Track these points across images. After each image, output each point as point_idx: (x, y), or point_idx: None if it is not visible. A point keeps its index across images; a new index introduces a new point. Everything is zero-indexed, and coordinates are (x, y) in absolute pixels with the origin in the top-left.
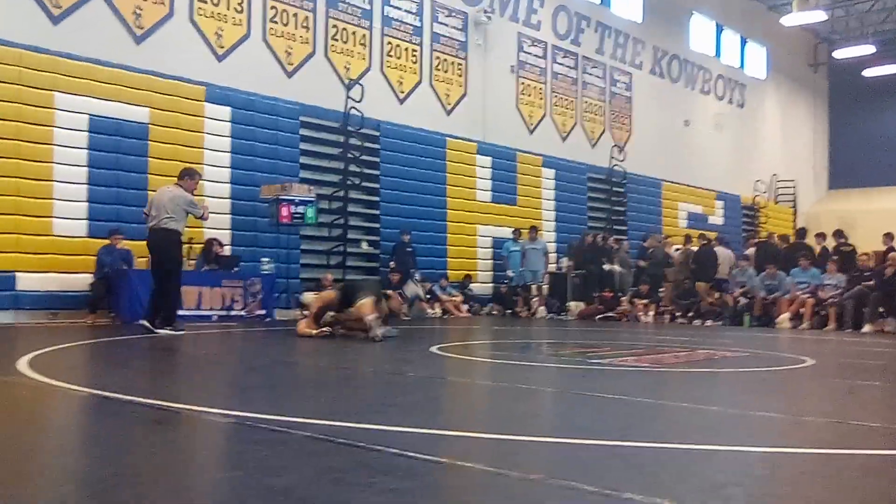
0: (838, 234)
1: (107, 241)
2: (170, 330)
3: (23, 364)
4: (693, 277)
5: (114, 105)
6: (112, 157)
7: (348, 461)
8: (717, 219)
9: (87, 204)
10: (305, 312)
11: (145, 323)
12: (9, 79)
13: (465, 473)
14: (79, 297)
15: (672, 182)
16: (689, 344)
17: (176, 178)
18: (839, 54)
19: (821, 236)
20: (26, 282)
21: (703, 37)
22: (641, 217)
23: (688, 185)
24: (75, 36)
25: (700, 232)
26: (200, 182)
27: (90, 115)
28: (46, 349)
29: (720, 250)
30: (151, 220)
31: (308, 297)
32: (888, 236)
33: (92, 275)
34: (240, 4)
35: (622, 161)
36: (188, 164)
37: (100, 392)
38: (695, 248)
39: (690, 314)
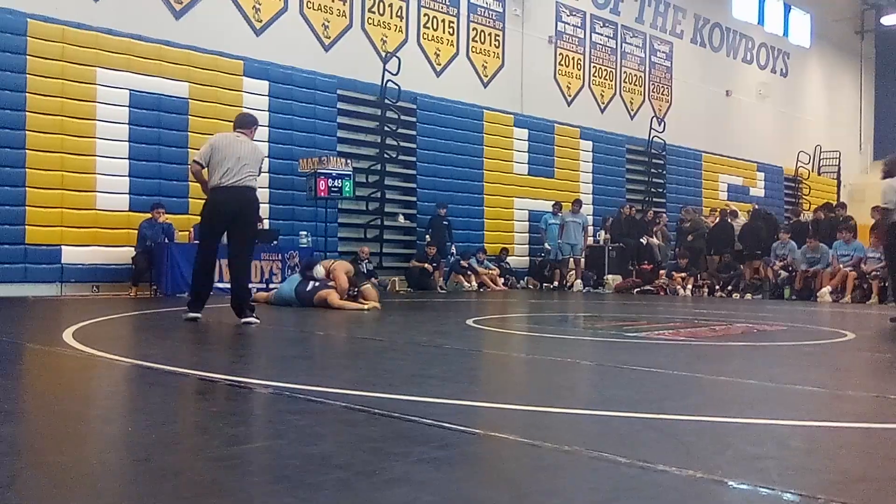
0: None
1: (148, 215)
2: (255, 317)
3: (68, 335)
4: (707, 250)
5: (154, 80)
6: (153, 131)
7: (385, 431)
8: (758, 191)
9: (128, 178)
10: (331, 284)
11: (247, 320)
12: (52, 55)
13: (500, 444)
14: (121, 269)
15: (712, 153)
16: (727, 317)
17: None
18: (887, 20)
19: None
20: (71, 255)
21: (745, 4)
22: (681, 189)
23: (728, 157)
24: (116, 12)
25: (753, 205)
26: None
27: (131, 90)
28: (90, 321)
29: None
30: (223, 174)
31: (322, 268)
32: None
33: (134, 248)
34: None
35: (661, 132)
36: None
37: (142, 362)
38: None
39: (729, 288)
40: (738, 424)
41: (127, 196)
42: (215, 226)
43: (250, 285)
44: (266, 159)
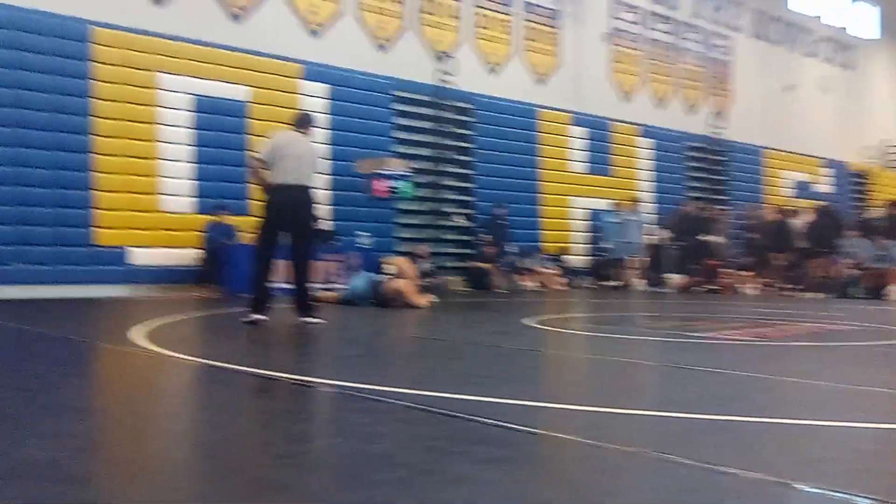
0: None
1: (212, 217)
2: (318, 318)
3: (136, 335)
4: (768, 249)
5: (215, 84)
6: (214, 135)
7: (445, 430)
8: (823, 187)
9: (192, 181)
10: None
11: (309, 320)
12: (115, 61)
13: (561, 444)
14: (187, 271)
15: (775, 149)
16: (794, 317)
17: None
18: None
19: None
20: (138, 257)
21: None
22: (742, 186)
23: (792, 153)
24: (177, 18)
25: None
26: None
27: (193, 94)
28: (157, 321)
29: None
30: (285, 172)
31: (393, 266)
32: None
33: (199, 249)
34: None
35: (722, 128)
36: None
37: (208, 361)
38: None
39: (797, 286)
40: (804, 426)
41: (191, 199)
42: (276, 225)
43: (313, 286)
44: (325, 160)
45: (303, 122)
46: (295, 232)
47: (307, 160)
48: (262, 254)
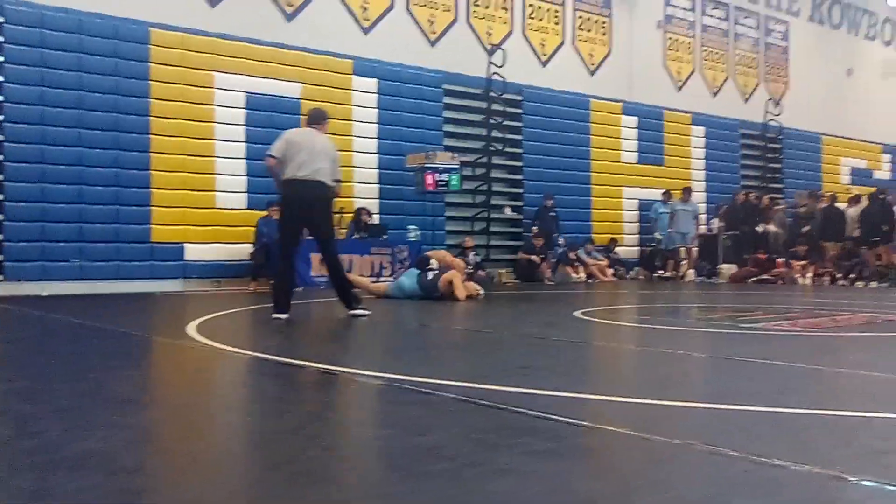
0: None
1: (265, 213)
2: (363, 309)
3: (192, 329)
4: (820, 237)
5: (268, 82)
6: (268, 132)
7: (493, 422)
8: (883, 173)
9: (245, 178)
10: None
11: (355, 312)
12: (172, 61)
13: (609, 437)
14: (240, 265)
15: (833, 136)
16: (849, 307)
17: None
18: None
19: None
20: (193, 252)
21: None
22: (799, 174)
23: (851, 139)
24: (231, 17)
25: (875, 188)
26: (351, 154)
27: (247, 92)
28: (212, 315)
29: (851, 210)
30: (297, 166)
31: (435, 259)
32: None
33: (252, 245)
34: None
35: (778, 115)
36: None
37: (260, 355)
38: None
39: (852, 276)
40: (860, 418)
41: (245, 195)
42: (291, 220)
43: (349, 278)
44: (375, 155)
45: (316, 118)
46: (313, 228)
47: (322, 156)
48: (281, 251)
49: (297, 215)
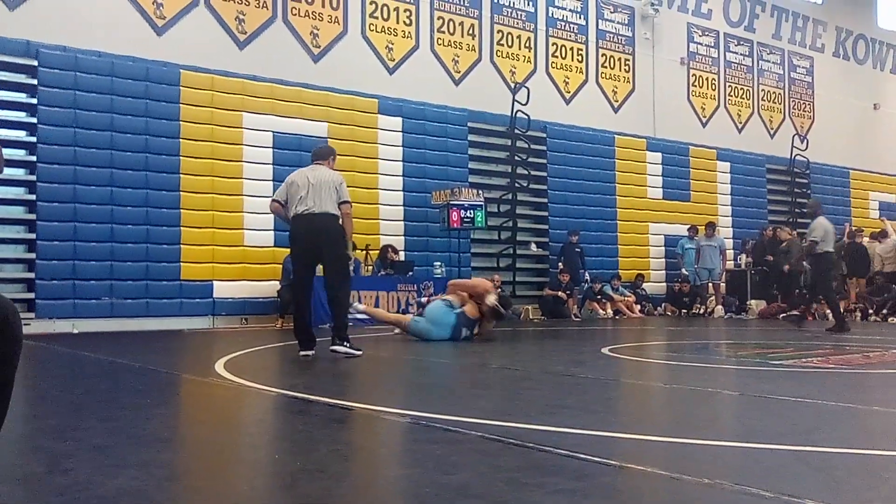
0: None
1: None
2: (349, 348)
3: (220, 366)
4: (847, 273)
5: (295, 122)
6: (295, 170)
7: (520, 461)
8: None
9: (273, 216)
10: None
11: (337, 349)
12: (203, 102)
13: (638, 476)
14: (267, 302)
15: (861, 170)
16: (881, 343)
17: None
18: None
19: None
20: (221, 290)
21: (892, 13)
22: (827, 209)
23: (879, 174)
24: (259, 58)
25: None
26: (377, 191)
27: (274, 132)
28: (240, 352)
29: (881, 246)
30: (297, 203)
31: (455, 298)
32: None
33: (279, 282)
34: (408, 17)
35: (804, 150)
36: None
37: (287, 392)
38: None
39: (885, 311)
40: (893, 458)
41: (272, 232)
42: (300, 256)
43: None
44: (400, 192)
45: (320, 155)
46: (322, 261)
47: (322, 187)
48: (294, 289)
49: (303, 248)
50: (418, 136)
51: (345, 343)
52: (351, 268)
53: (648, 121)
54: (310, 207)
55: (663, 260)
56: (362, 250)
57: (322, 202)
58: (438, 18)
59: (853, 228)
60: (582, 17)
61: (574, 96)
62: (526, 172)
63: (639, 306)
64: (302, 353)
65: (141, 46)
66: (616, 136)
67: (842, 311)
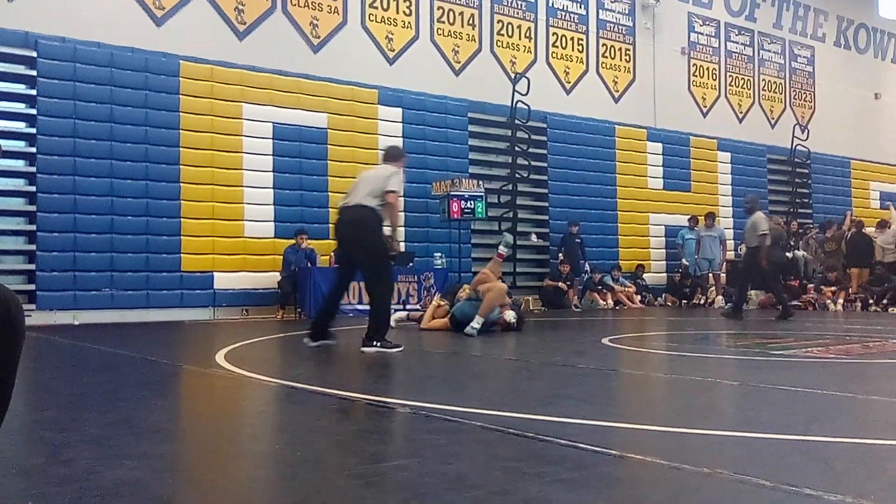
0: None
1: (292, 241)
2: (379, 347)
3: (220, 357)
4: (847, 264)
5: (295, 112)
6: (294, 161)
7: (520, 451)
8: None
9: (273, 207)
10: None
11: (365, 349)
12: (202, 93)
13: (638, 466)
14: (268, 294)
15: (862, 160)
16: (881, 333)
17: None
18: None
19: None
20: (222, 281)
21: (893, 2)
22: (828, 199)
23: (880, 163)
24: (259, 49)
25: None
26: None
27: (274, 122)
28: (240, 343)
29: (882, 236)
30: (343, 199)
31: (468, 291)
32: None
33: (279, 273)
34: (408, 7)
35: (805, 140)
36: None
37: (288, 383)
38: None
39: (885, 301)
40: (893, 448)
41: (272, 224)
42: (339, 248)
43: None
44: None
45: (388, 155)
46: (354, 252)
47: (368, 182)
48: (333, 279)
49: (341, 243)
50: (418, 127)
51: (373, 343)
52: (509, 238)
53: (649, 111)
54: (350, 201)
55: (664, 250)
56: None
57: (357, 195)
58: (438, 8)
59: (857, 219)
60: (582, 6)
61: (574, 86)
62: (526, 163)
63: (639, 297)
64: (311, 343)
65: (140, 37)
66: (616, 126)
67: (786, 299)
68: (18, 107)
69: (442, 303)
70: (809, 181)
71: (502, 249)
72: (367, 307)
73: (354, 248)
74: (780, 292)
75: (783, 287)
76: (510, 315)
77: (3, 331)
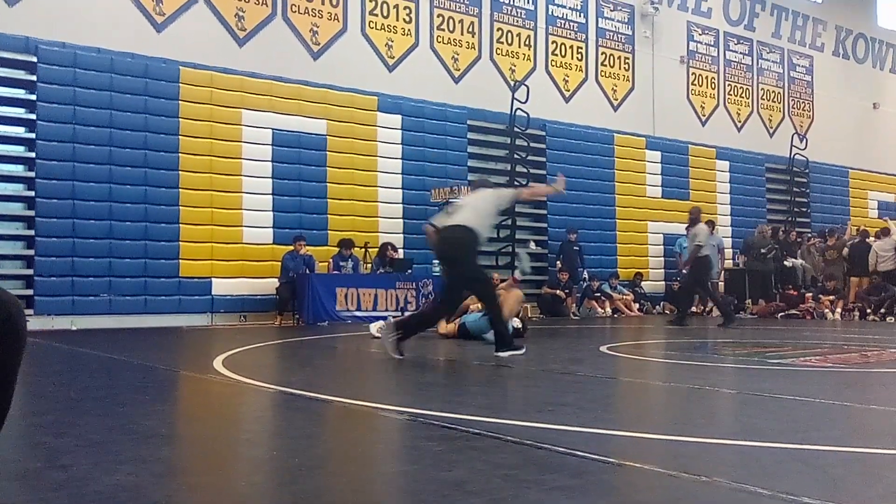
0: None
1: (290, 248)
2: (505, 352)
3: (218, 363)
4: (849, 272)
5: (294, 119)
6: (294, 167)
7: (518, 458)
8: None
9: (272, 213)
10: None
11: (500, 354)
12: (202, 99)
13: (636, 473)
14: (266, 300)
15: (860, 169)
16: (879, 342)
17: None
18: None
19: None
20: (220, 287)
21: (892, 12)
22: (826, 208)
23: (878, 173)
24: (259, 56)
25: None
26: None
27: (273, 129)
28: (238, 349)
29: (878, 243)
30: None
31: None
32: None
33: (278, 279)
34: (408, 15)
35: (804, 149)
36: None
37: (285, 389)
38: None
39: (883, 310)
40: (891, 457)
41: (271, 230)
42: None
43: (387, 313)
44: (399, 191)
45: (478, 185)
46: (450, 267)
47: (469, 204)
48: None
49: (440, 262)
50: (418, 134)
51: (502, 349)
52: (526, 264)
53: (648, 119)
54: (446, 222)
55: (662, 259)
56: (361, 248)
57: (457, 216)
58: (438, 16)
59: (862, 227)
60: (582, 15)
61: (574, 94)
62: (525, 171)
63: (637, 305)
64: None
65: (140, 43)
66: (615, 134)
67: (729, 305)
68: (18, 112)
69: None
70: (808, 190)
71: (518, 275)
72: (367, 314)
73: (453, 265)
74: (718, 300)
75: (721, 295)
76: (516, 322)
77: (4, 335)
